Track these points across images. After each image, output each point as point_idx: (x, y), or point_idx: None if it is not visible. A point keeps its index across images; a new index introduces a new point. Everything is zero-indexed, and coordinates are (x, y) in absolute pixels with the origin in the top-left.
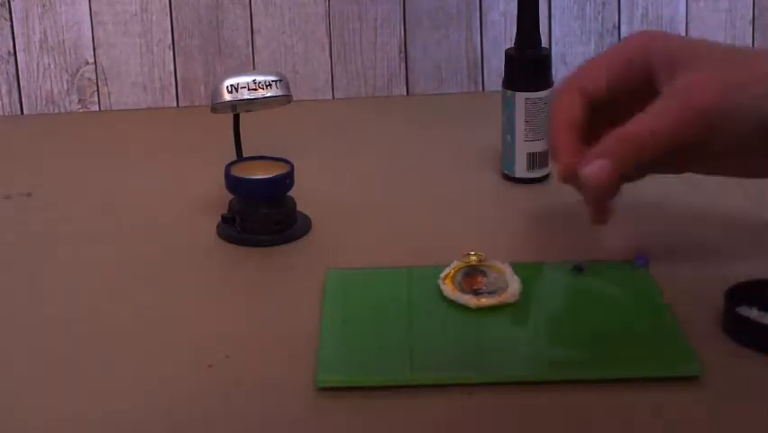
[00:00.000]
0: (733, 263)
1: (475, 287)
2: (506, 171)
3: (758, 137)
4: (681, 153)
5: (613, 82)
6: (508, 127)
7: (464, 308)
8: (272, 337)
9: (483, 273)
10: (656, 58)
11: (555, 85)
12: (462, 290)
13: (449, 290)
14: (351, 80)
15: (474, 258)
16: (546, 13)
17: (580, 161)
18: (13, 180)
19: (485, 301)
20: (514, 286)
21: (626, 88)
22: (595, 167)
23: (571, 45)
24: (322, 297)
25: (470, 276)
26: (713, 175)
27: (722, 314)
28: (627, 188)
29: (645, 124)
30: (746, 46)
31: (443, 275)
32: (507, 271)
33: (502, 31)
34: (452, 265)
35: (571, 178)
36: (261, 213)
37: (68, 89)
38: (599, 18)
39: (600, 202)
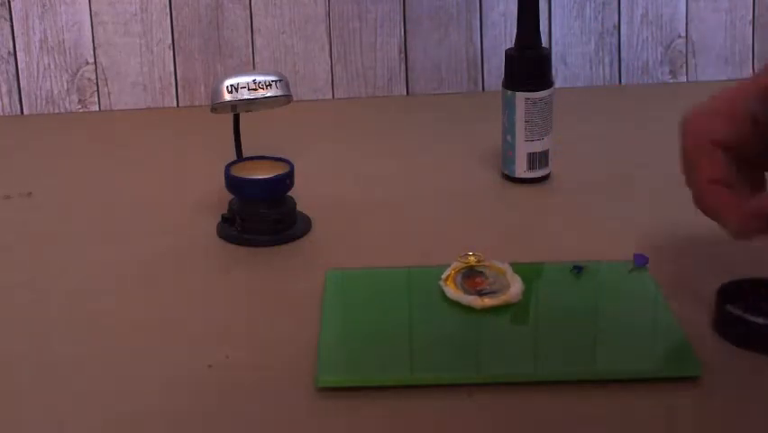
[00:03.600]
0: (733, 264)
1: (478, 288)
2: (506, 171)
3: None
4: None
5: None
6: (508, 127)
7: (464, 308)
8: (272, 337)
9: (482, 274)
10: None
11: (554, 86)
12: (465, 291)
13: (451, 290)
14: (351, 80)
15: (473, 258)
16: (546, 13)
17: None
18: (13, 180)
19: (488, 302)
20: (516, 286)
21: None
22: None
23: (571, 45)
24: (322, 297)
25: (470, 277)
26: None
27: (713, 312)
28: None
29: None
30: None
31: (443, 276)
32: (508, 271)
33: (502, 31)
34: (452, 266)
35: (748, 233)
36: (261, 213)
37: (68, 89)
38: (599, 18)
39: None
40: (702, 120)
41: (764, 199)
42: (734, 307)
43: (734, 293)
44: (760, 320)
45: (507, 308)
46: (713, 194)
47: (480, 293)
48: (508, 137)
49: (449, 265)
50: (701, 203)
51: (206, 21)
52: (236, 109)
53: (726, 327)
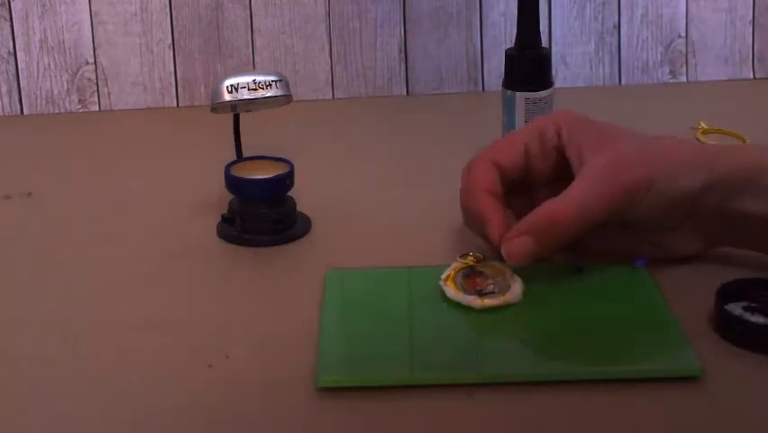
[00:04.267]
0: (733, 264)
1: (478, 288)
2: None
3: (669, 216)
4: (599, 229)
5: (528, 161)
6: (508, 127)
7: (464, 308)
8: (272, 337)
9: (483, 274)
10: (566, 138)
11: (554, 86)
12: (465, 291)
13: (451, 291)
14: (351, 80)
15: (472, 258)
16: (546, 13)
17: (505, 237)
18: (13, 180)
19: (489, 302)
20: (516, 286)
21: (538, 168)
22: (518, 245)
23: (571, 45)
24: (322, 297)
25: (470, 277)
26: (618, 251)
27: (713, 312)
28: None
29: (565, 203)
30: (649, 133)
31: (443, 276)
32: (508, 271)
33: (502, 31)
34: (452, 266)
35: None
36: (261, 213)
37: (68, 89)
38: (599, 18)
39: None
40: (484, 151)
41: (511, 233)
42: (733, 306)
43: (733, 293)
44: (760, 320)
45: (506, 308)
46: (482, 197)
47: (481, 293)
48: None
49: (449, 265)
50: (469, 205)
51: (206, 21)
52: (236, 109)
53: (726, 326)
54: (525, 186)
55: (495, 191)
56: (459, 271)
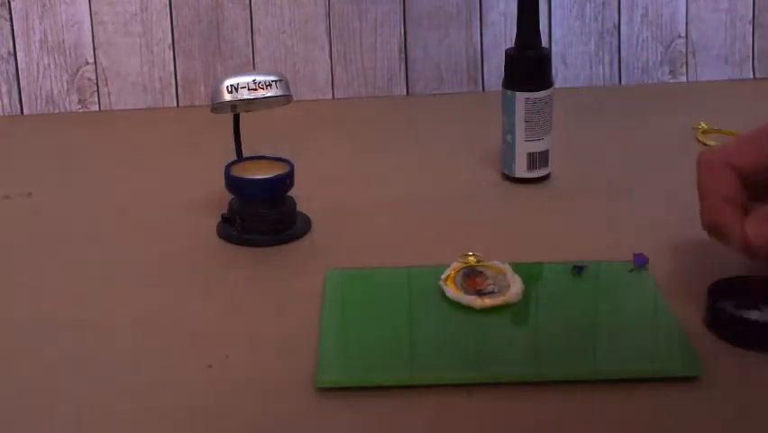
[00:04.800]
0: (733, 263)
1: (478, 288)
2: (506, 171)
3: None
4: None
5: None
6: (508, 127)
7: (464, 308)
8: (272, 337)
9: (483, 274)
10: None
11: (554, 86)
12: (465, 291)
13: (451, 291)
14: (351, 80)
15: (472, 258)
16: (546, 13)
17: (748, 221)
18: (13, 180)
19: (489, 302)
20: (516, 286)
21: None
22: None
23: (571, 45)
24: (322, 297)
25: (470, 277)
26: None
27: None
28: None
29: None
30: None
31: (443, 276)
32: (508, 271)
33: (502, 31)
34: (452, 266)
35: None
36: (261, 213)
37: (68, 89)
38: (599, 18)
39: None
40: (718, 150)
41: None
42: (725, 304)
43: (724, 291)
44: (752, 317)
45: (507, 308)
46: (724, 211)
47: (480, 293)
48: (508, 137)
49: (449, 265)
50: (711, 218)
51: (206, 21)
52: (236, 109)
53: (718, 324)
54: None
55: (734, 198)
56: (459, 271)
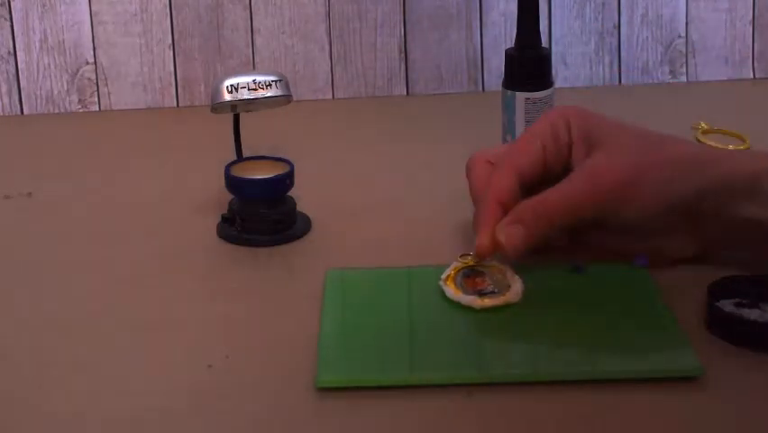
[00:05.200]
0: (733, 263)
1: (478, 288)
2: None
3: (665, 219)
4: (591, 227)
5: (545, 161)
6: (508, 127)
7: (464, 308)
8: (272, 337)
9: (482, 274)
10: (575, 133)
11: (554, 86)
12: (465, 291)
13: (451, 291)
14: (351, 80)
15: (472, 258)
16: (546, 13)
17: (497, 225)
18: (13, 180)
19: (489, 302)
20: (516, 286)
21: (551, 167)
22: (508, 234)
23: (571, 45)
24: (322, 297)
25: (470, 277)
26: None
27: (705, 310)
28: None
29: (555, 196)
30: (657, 132)
31: (443, 276)
32: (508, 271)
33: (502, 31)
34: (452, 266)
35: (486, 255)
36: (261, 213)
37: (68, 89)
38: (599, 18)
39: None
40: (506, 155)
41: (501, 223)
42: (725, 304)
43: (724, 291)
44: (751, 317)
45: (506, 308)
46: (489, 208)
47: (480, 293)
48: (508, 137)
49: (449, 265)
50: (477, 212)
51: (206, 21)
52: (236, 109)
53: (718, 324)
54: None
55: (509, 203)
56: (459, 270)
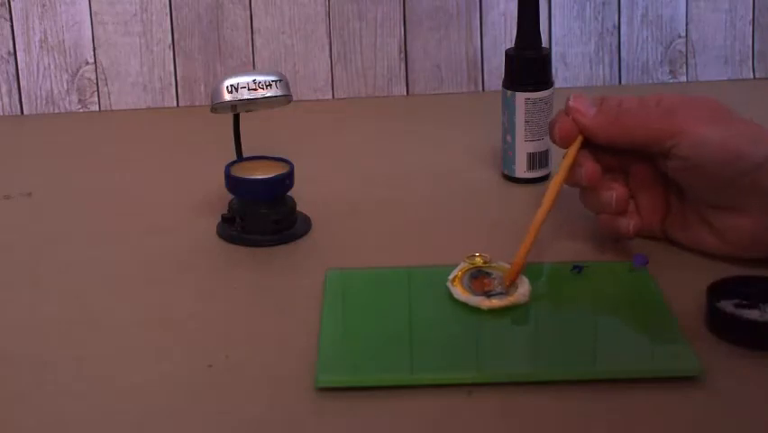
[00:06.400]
0: (733, 264)
1: (486, 289)
2: (506, 171)
3: (730, 186)
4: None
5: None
6: (508, 127)
7: (467, 308)
8: (272, 337)
9: (489, 275)
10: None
11: (554, 86)
12: (473, 292)
13: (459, 292)
14: (351, 80)
15: (479, 259)
16: (546, 13)
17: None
18: (13, 180)
19: (496, 303)
20: (524, 287)
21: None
22: (564, 122)
23: (571, 45)
24: (322, 297)
25: (477, 278)
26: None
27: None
28: None
29: (633, 105)
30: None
31: (451, 277)
32: None
33: (502, 31)
34: (459, 267)
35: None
36: (261, 213)
37: (68, 89)
38: (599, 18)
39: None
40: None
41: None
42: (725, 304)
43: (724, 291)
44: (751, 317)
45: (512, 309)
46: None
47: (488, 294)
48: (508, 137)
49: (449, 265)
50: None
51: (206, 21)
52: (236, 109)
53: (718, 324)
54: None
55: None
56: (466, 271)
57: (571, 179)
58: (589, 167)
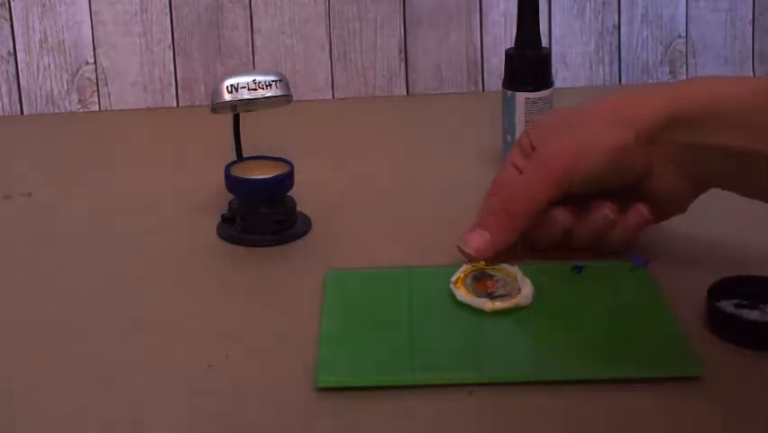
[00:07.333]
0: (732, 264)
1: (489, 291)
2: None
3: (630, 164)
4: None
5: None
6: (508, 127)
7: (467, 309)
8: (272, 337)
9: (492, 277)
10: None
11: (554, 86)
12: (476, 294)
13: (462, 293)
14: (351, 80)
15: (482, 261)
16: (546, 13)
17: (463, 232)
18: (13, 180)
19: (499, 305)
20: (527, 289)
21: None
22: (473, 238)
23: (571, 45)
24: (322, 297)
25: (481, 280)
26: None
27: (705, 310)
28: None
29: (519, 191)
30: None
31: (453, 279)
32: (518, 274)
33: (502, 31)
34: (462, 269)
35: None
36: (261, 213)
37: (68, 89)
38: (599, 18)
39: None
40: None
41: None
42: (725, 304)
43: (724, 291)
44: (751, 317)
45: (515, 311)
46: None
47: (491, 296)
48: (508, 137)
49: (449, 265)
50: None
51: (206, 21)
52: (236, 109)
53: (718, 324)
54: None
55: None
56: (469, 273)
57: (549, 237)
58: (561, 212)
